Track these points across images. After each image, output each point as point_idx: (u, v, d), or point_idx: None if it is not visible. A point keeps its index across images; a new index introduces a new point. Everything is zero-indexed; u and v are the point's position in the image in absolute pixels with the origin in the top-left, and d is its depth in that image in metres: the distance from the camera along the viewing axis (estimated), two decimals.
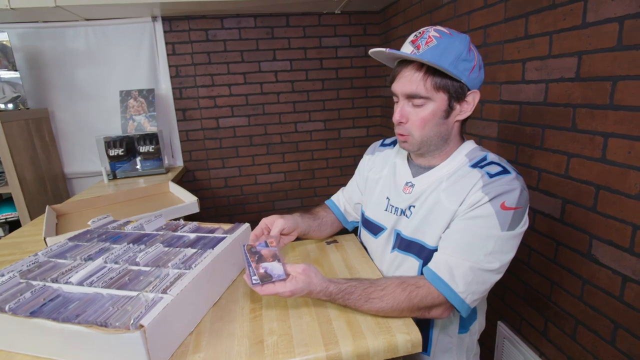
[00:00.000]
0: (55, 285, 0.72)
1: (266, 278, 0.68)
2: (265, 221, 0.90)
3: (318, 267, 0.92)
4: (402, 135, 0.81)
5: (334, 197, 1.13)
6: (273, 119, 2.32)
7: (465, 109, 0.78)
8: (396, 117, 0.80)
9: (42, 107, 2.05)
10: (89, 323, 0.59)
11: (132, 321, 0.58)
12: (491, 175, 0.74)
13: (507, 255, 0.72)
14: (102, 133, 2.01)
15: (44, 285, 0.72)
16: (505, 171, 0.74)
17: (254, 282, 0.68)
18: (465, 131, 0.85)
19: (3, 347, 0.68)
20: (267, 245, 0.74)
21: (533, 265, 1.18)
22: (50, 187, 2.01)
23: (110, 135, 1.99)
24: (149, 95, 2.07)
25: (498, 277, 0.73)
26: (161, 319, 0.60)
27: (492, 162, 0.77)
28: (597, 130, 0.91)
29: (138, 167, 2.05)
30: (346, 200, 1.09)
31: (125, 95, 2.06)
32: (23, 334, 0.65)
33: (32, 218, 1.76)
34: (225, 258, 0.83)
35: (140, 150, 2.02)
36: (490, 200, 0.71)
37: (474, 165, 0.78)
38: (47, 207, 1.33)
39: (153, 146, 2.02)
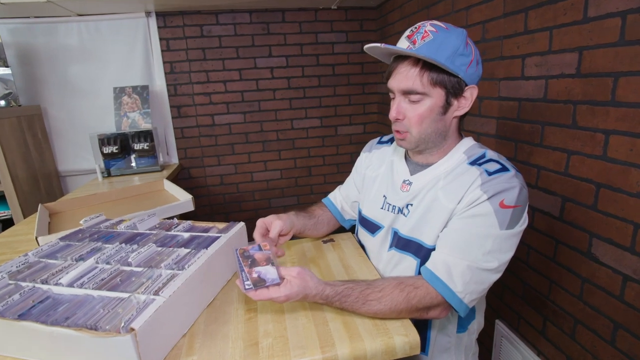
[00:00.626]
0: (45, 287, 0.70)
1: (259, 283, 0.66)
2: (263, 221, 0.88)
3: (314, 267, 0.91)
4: (399, 132, 0.80)
5: (330, 195, 1.11)
6: (269, 115, 2.30)
7: (463, 105, 0.77)
8: (392, 114, 0.78)
9: (35, 104, 2.02)
10: (79, 326, 0.58)
11: (122, 324, 0.56)
12: (490, 173, 0.72)
13: (506, 254, 0.71)
14: (95, 130, 1.99)
15: (34, 287, 0.70)
16: (504, 169, 0.73)
17: (246, 287, 0.66)
18: (464, 128, 0.84)
19: None
20: (260, 249, 0.72)
21: (532, 263, 1.17)
22: (43, 185, 1.98)
23: (104, 133, 1.96)
24: (143, 92, 2.04)
25: (497, 276, 0.72)
26: (153, 321, 0.59)
27: (490, 160, 0.76)
28: (598, 128, 0.90)
29: (133, 164, 2.03)
30: (343, 198, 1.07)
31: (119, 92, 2.03)
32: (11, 337, 0.63)
33: (25, 216, 1.73)
34: (220, 258, 0.82)
35: (135, 148, 2.00)
36: (488, 199, 0.69)
37: (473, 163, 0.77)
38: (39, 205, 1.31)
39: (148, 143, 1.99)
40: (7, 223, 1.85)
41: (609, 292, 0.91)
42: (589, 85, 0.91)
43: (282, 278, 0.68)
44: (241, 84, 2.22)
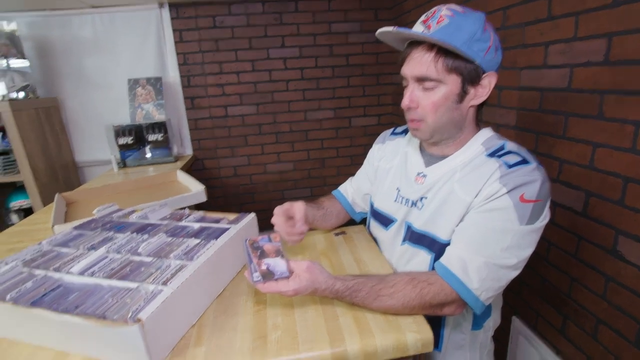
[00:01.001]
0: (57, 275, 0.71)
1: (268, 275, 0.65)
2: (282, 208, 0.87)
3: (325, 260, 0.90)
4: (413, 121, 0.77)
5: (341, 188, 1.09)
6: (282, 107, 2.28)
7: (480, 93, 0.73)
8: (405, 102, 0.75)
9: (52, 96, 2.05)
10: (88, 315, 0.58)
11: (130, 314, 0.56)
12: (510, 166, 0.69)
13: (526, 250, 0.68)
14: (111, 122, 2.01)
15: (46, 275, 0.71)
16: (524, 161, 0.69)
17: (255, 279, 0.65)
18: (482, 119, 0.80)
19: (6, 335, 0.67)
20: (270, 240, 0.71)
21: (552, 260, 1.13)
22: (61, 176, 2.02)
23: (119, 124, 1.98)
24: (156, 84, 2.05)
25: (515, 273, 0.69)
26: (160, 312, 0.59)
27: (510, 152, 0.72)
28: (628, 119, 0.84)
29: (147, 155, 2.05)
30: (354, 190, 1.05)
31: (134, 84, 2.04)
32: (24, 324, 0.64)
33: (45, 205, 1.77)
34: (230, 249, 0.81)
35: (149, 139, 2.01)
36: (508, 192, 0.66)
37: (491, 155, 0.73)
38: (56, 195, 1.33)
39: (162, 135, 2.01)
40: (28, 212, 1.89)
41: (635, 291, 0.86)
42: (618, 73, 0.86)
43: (291, 271, 0.66)
44: (254, 75, 2.21)
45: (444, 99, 0.72)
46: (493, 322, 0.88)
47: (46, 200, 1.81)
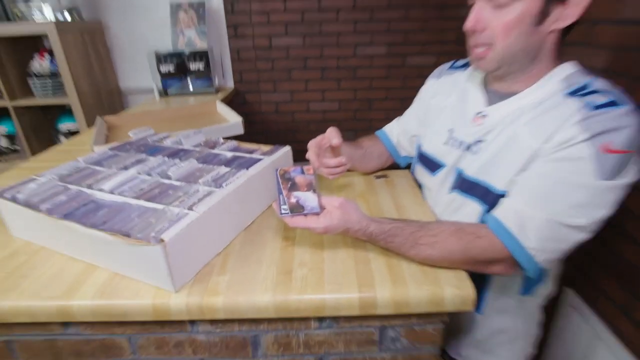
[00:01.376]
0: (89, 191, 0.71)
1: (297, 209, 0.60)
2: (314, 141, 0.81)
3: (362, 203, 0.83)
4: (477, 47, 0.63)
5: (386, 128, 0.99)
6: (330, 40, 2.10)
7: (568, 14, 0.57)
8: (469, 23, 0.62)
9: (96, 19, 2.03)
10: (114, 231, 0.57)
11: (153, 234, 0.54)
12: (595, 107, 0.55)
13: (600, 211, 0.56)
14: (153, 49, 1.96)
15: (79, 190, 0.71)
16: (614, 103, 0.55)
17: (282, 211, 0.60)
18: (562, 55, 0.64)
19: (45, 245, 0.70)
20: (303, 172, 0.65)
21: (630, 231, 0.98)
22: (106, 101, 2.05)
23: (161, 51, 1.93)
24: (199, 9, 1.95)
25: (583, 236, 0.58)
26: (183, 235, 0.56)
27: (597, 91, 0.58)
28: None
29: (189, 85, 2.01)
30: (401, 131, 0.95)
31: (176, 8, 1.95)
32: (57, 235, 0.66)
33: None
34: (260, 180, 0.76)
35: (191, 68, 1.96)
36: (588, 139, 0.54)
37: (572, 94, 0.59)
38: (97, 117, 1.35)
39: (203, 64, 1.95)
40: (75, 135, 1.97)
41: None
42: None
43: (322, 207, 0.60)
44: (302, 3, 2.02)
45: (518, 20, 0.58)
46: (546, 290, 0.79)
47: (91, 123, 1.86)
